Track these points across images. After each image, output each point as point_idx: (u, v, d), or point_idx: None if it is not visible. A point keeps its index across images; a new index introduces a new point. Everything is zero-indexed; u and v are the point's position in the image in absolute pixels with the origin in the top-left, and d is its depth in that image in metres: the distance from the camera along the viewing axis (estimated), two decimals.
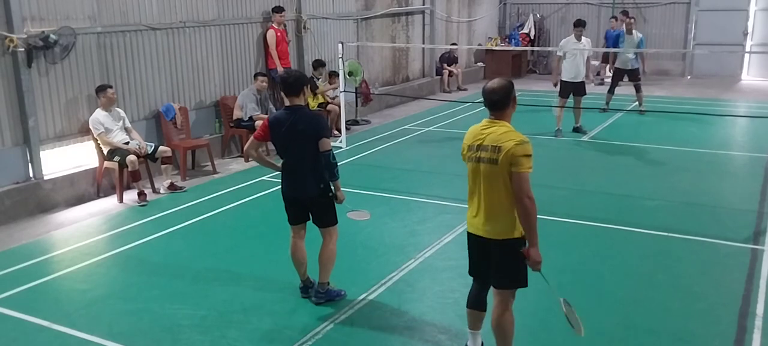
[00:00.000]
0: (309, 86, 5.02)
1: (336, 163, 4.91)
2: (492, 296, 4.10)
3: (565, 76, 10.98)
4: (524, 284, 3.97)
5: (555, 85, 11.32)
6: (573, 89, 11.02)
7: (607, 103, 12.91)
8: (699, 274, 5.68)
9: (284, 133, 4.87)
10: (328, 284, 5.18)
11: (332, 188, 5.01)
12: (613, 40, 13.88)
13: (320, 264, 5.12)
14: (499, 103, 3.89)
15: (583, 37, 11.02)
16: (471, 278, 4.26)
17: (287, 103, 4.98)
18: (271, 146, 5.17)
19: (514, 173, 3.71)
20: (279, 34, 10.76)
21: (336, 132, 11.37)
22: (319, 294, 5.16)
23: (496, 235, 3.88)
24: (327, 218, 5.08)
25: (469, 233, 4.09)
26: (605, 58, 15.84)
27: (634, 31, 12.75)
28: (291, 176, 5.01)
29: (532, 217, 3.73)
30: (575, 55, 10.90)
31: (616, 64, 12.86)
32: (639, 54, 12.62)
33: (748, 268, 5.72)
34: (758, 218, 6.98)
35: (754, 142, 10.56)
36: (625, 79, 12.83)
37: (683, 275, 5.62)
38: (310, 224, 5.18)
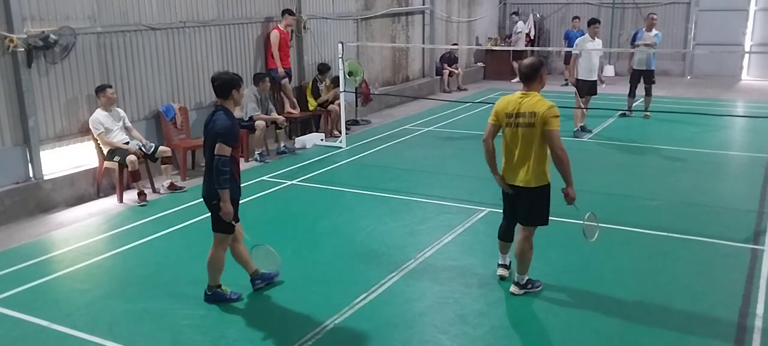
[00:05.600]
0: (239, 89, 5.01)
1: (226, 171, 4.72)
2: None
3: (582, 75, 11.00)
4: (545, 222, 5.03)
5: (573, 84, 11.33)
6: (588, 88, 11.05)
7: (630, 107, 12.75)
8: (699, 274, 5.67)
9: (204, 133, 4.99)
10: (219, 287, 5.19)
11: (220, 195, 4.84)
12: (573, 41, 13.45)
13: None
14: (529, 77, 4.88)
15: (596, 37, 11.03)
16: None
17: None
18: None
19: (547, 130, 4.71)
20: (283, 36, 10.76)
21: (336, 132, 11.38)
22: (207, 295, 5.20)
23: (527, 183, 4.89)
24: (213, 223, 5.03)
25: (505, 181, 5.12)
26: (567, 60, 15.06)
27: (653, 29, 12.32)
28: (204, 176, 5.07)
29: (565, 164, 4.75)
30: (591, 54, 10.93)
31: (634, 65, 12.51)
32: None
33: (748, 268, 5.72)
34: (758, 218, 6.98)
35: (754, 142, 10.56)
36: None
37: (683, 275, 5.62)
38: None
